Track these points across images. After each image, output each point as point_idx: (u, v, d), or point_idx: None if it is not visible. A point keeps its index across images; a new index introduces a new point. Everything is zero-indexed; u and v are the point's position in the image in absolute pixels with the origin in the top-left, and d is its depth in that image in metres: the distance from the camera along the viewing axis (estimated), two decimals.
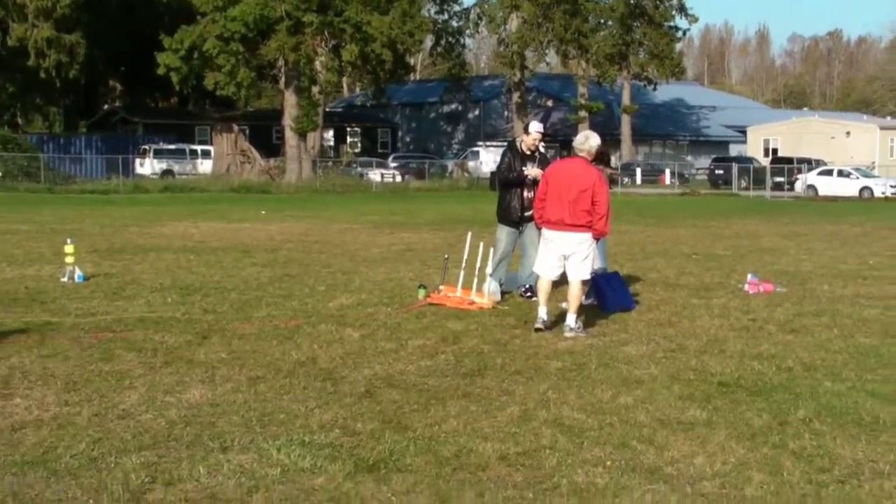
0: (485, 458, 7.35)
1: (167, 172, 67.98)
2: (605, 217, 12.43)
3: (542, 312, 12.59)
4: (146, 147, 70.85)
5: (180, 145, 73.15)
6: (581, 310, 12.83)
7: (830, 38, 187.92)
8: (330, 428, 8.07)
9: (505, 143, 15.70)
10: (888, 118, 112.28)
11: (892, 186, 61.57)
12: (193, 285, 16.39)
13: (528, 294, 14.86)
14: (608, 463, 7.28)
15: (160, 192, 55.27)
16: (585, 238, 12.42)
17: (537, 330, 12.41)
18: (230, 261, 20.09)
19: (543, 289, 12.71)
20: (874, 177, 65.63)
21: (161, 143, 72.22)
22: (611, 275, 14.87)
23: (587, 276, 12.82)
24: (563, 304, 13.13)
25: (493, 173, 15.77)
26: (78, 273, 16.69)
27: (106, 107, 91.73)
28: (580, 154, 12.63)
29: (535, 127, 14.97)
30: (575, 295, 12.49)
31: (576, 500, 6.59)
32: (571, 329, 12.30)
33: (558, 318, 12.86)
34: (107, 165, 64.53)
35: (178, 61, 62.55)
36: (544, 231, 12.68)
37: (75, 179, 62.11)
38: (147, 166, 68.58)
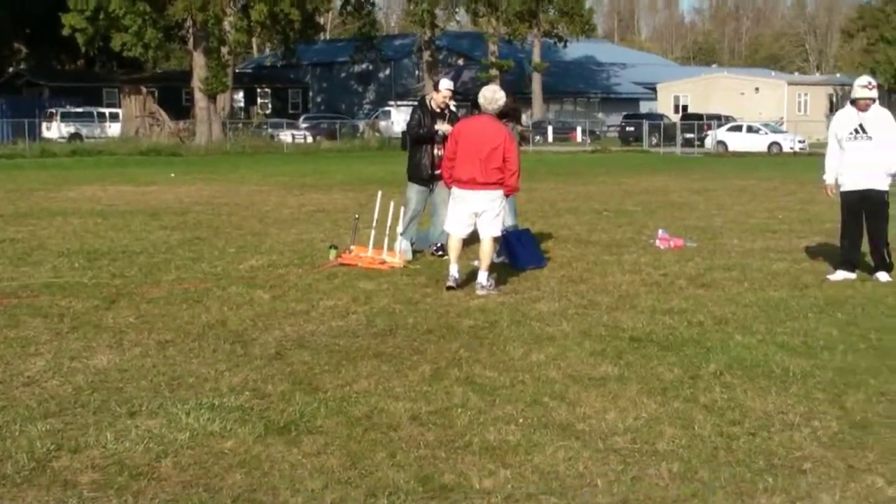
0: (396, 418, 7.31)
1: (75, 136, 66.95)
2: (516, 173, 12.45)
3: (454, 270, 12.56)
4: (53, 110, 69.79)
5: (88, 108, 72.15)
6: (493, 267, 12.82)
7: None
8: (240, 391, 7.99)
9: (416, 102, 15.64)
10: (796, 74, 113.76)
11: (800, 142, 62.34)
12: (101, 249, 16.15)
13: (440, 252, 14.81)
14: (520, 420, 7.27)
15: (68, 156, 54.40)
16: (497, 195, 12.41)
17: (449, 288, 12.37)
18: (139, 224, 19.84)
19: (454, 247, 12.67)
20: (783, 132, 66.45)
21: (68, 107, 71.16)
22: (522, 232, 14.87)
23: (498, 234, 12.82)
24: (475, 262, 13.11)
25: (404, 132, 15.79)
26: None
27: (11, 70, 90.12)
28: (488, 111, 12.58)
29: (445, 84, 14.90)
30: (486, 252, 12.47)
31: (488, 457, 6.56)
32: (483, 287, 12.30)
33: (470, 276, 12.82)
34: (13, 129, 63.31)
35: (84, 22, 61.55)
36: (455, 189, 12.62)
37: None
38: (54, 130, 67.52)
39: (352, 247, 14.85)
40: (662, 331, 10.17)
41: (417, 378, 8.37)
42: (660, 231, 17.01)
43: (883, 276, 13.13)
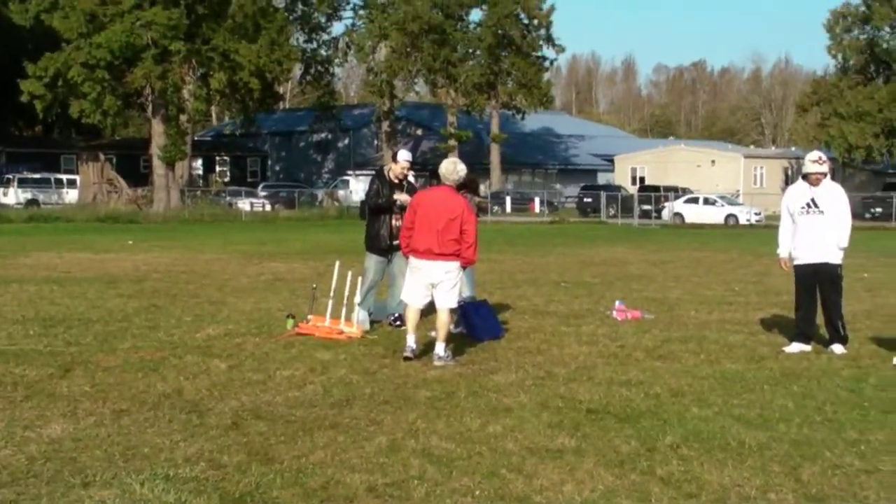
0: (353, 490, 7.27)
1: (32, 202, 66.73)
2: (473, 245, 12.53)
3: (411, 341, 12.57)
4: (10, 176, 69.58)
5: (45, 174, 71.96)
6: (450, 338, 12.84)
7: (695, 69, 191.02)
8: (195, 461, 7.93)
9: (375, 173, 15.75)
10: (752, 147, 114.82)
11: (756, 214, 62.83)
12: (57, 317, 16.05)
13: (398, 323, 14.79)
14: (477, 492, 7.25)
15: (24, 222, 54.20)
16: (453, 267, 12.49)
17: (406, 359, 12.36)
18: (95, 292, 19.72)
19: (412, 318, 12.69)
20: (739, 204, 66.99)
21: (25, 172, 70.97)
22: (479, 303, 14.88)
23: (455, 305, 12.88)
24: (432, 333, 13.11)
25: (363, 202, 15.95)
26: None
27: None
28: (447, 183, 12.68)
29: (404, 155, 14.96)
30: (443, 323, 12.52)
31: None
32: (440, 358, 12.30)
33: (427, 347, 12.82)
34: None
35: (42, 89, 61.55)
36: (412, 260, 12.66)
37: None
38: (11, 196, 67.32)
39: (309, 316, 14.81)
40: (619, 403, 10.18)
41: (374, 449, 8.33)
42: (617, 302, 17.08)
43: (838, 348, 13.23)
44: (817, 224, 13.32)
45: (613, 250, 35.99)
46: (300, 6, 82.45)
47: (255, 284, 21.77)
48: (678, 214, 64.70)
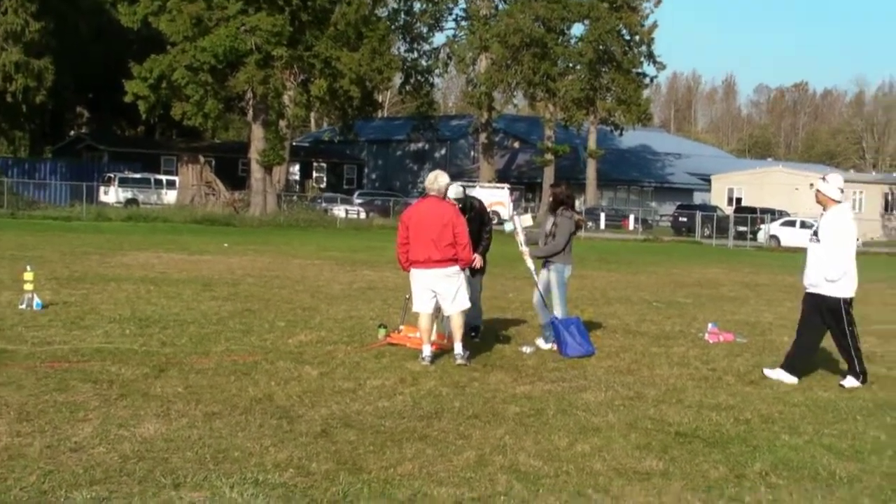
0: (439, 503, 7.29)
1: (131, 201, 67.48)
2: (468, 245, 13.28)
3: (427, 350, 13.14)
4: (111, 175, 70.41)
5: (145, 174, 72.67)
6: (465, 340, 13.54)
7: (796, 90, 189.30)
8: (284, 467, 8.01)
9: (470, 183, 15.84)
10: (851, 171, 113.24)
11: None
12: (152, 317, 16.28)
13: (472, 334, 14.82)
14: None
15: (123, 221, 54.87)
16: (453, 271, 13.26)
17: (424, 363, 12.98)
18: (190, 293, 19.96)
19: (425, 325, 13.28)
20: None
21: (126, 172, 71.78)
22: (570, 320, 14.82)
23: (467, 306, 13.50)
24: (524, 348, 13.15)
25: None
26: (36, 301, 16.55)
27: (72, 133, 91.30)
28: (432, 193, 13.37)
29: (453, 192, 14.55)
30: (458, 325, 13.24)
31: None
32: (461, 356, 13.11)
33: (513, 361, 12.81)
34: (71, 192, 64.04)
35: (147, 90, 62.17)
36: (414, 271, 13.33)
37: (39, 205, 61.64)
38: (111, 194, 68.06)
39: (401, 326, 14.89)
40: (709, 427, 10.12)
41: (462, 463, 8.36)
42: (710, 325, 16.96)
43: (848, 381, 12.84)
44: (812, 253, 12.74)
45: (707, 271, 35.75)
46: (403, 16, 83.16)
47: (347, 292, 21.90)
48: (774, 237, 64.01)
